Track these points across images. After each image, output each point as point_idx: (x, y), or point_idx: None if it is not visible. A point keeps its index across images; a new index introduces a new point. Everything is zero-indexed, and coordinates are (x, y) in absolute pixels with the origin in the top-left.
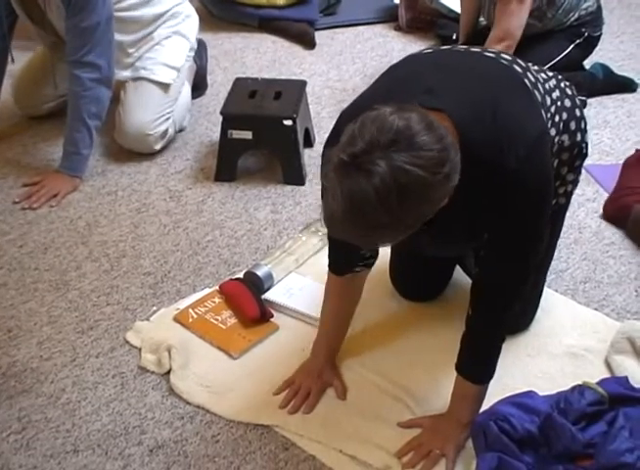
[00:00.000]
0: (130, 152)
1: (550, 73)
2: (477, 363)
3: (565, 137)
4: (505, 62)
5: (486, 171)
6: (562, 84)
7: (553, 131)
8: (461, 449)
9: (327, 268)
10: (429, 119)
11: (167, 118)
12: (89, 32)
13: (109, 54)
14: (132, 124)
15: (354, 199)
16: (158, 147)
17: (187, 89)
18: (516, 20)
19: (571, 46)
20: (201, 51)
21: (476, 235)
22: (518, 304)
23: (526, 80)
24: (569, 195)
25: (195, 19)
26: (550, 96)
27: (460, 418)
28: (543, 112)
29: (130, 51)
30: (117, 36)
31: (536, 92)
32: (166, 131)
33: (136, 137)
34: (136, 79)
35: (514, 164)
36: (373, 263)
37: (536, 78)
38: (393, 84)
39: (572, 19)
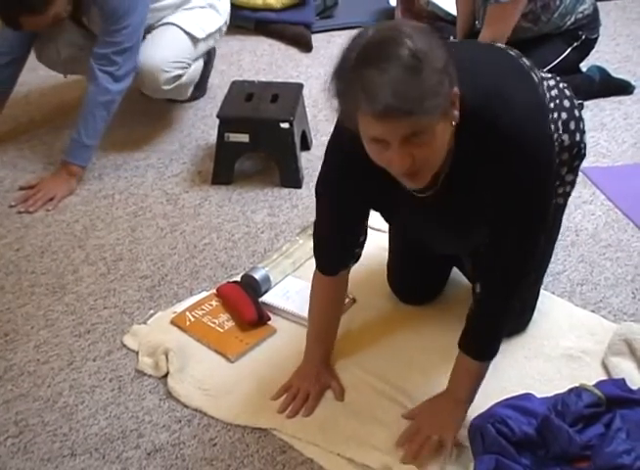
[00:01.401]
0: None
1: (548, 74)
2: (481, 336)
3: (565, 137)
4: (513, 53)
5: (485, 138)
6: (560, 85)
7: (552, 128)
8: (459, 431)
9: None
10: None
11: (185, 67)
12: (116, 34)
13: (129, 54)
14: (151, 57)
15: (401, 63)
16: (166, 88)
17: (200, 63)
18: (508, 21)
19: (569, 49)
20: (210, 53)
21: (483, 214)
22: (527, 280)
23: (533, 74)
24: (566, 196)
25: (227, 3)
26: (550, 94)
27: (458, 396)
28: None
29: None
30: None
31: (540, 87)
32: (180, 77)
33: (150, 71)
34: (166, 24)
35: (509, 121)
36: (360, 255)
37: (539, 76)
38: None
39: (569, 22)
